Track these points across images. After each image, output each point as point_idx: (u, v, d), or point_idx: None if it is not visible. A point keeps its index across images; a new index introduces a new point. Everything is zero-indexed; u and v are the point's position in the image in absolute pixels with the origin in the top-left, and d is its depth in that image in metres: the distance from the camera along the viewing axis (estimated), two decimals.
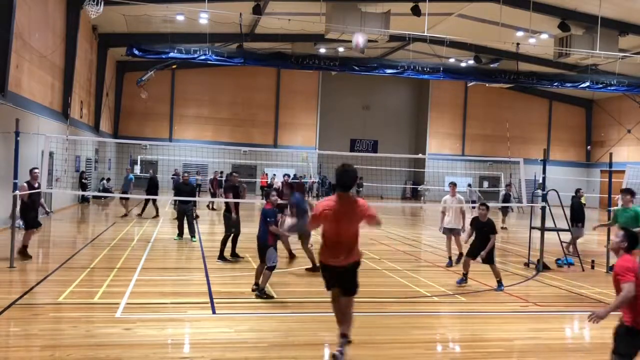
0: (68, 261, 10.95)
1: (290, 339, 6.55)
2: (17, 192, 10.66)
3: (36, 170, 11.36)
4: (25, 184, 11.06)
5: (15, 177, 10.75)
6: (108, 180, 29.20)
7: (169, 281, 9.57)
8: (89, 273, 9.90)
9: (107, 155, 32.49)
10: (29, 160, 15.73)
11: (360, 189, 34.11)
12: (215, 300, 8.17)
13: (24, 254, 10.83)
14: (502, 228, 20.14)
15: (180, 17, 25.58)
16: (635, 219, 9.66)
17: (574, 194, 14.10)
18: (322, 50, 30.00)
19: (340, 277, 5.88)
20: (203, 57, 24.71)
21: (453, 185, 12.53)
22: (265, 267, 8.53)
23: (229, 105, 40.42)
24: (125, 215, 20.08)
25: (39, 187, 11.26)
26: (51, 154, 17.19)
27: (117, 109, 37.07)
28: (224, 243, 11.77)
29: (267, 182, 32.31)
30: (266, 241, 8.52)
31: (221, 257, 11.64)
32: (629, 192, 10.08)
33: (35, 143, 16.87)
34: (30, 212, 11.13)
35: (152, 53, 24.75)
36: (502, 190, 27.04)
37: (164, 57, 25.23)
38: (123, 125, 37.78)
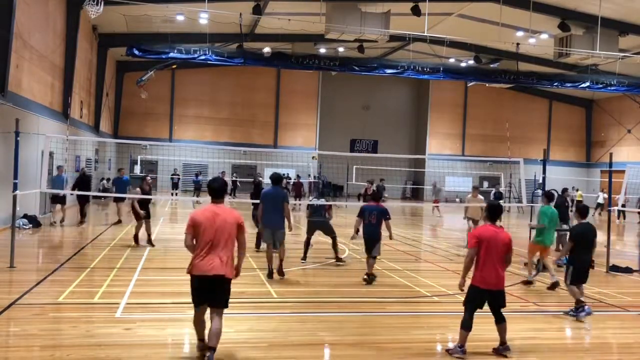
0: (68, 261, 10.96)
1: (290, 339, 6.55)
2: (17, 192, 10.66)
3: (148, 178, 13.72)
4: (138, 189, 13.30)
5: (15, 177, 10.75)
6: (108, 180, 29.19)
7: (169, 281, 9.57)
8: (89, 273, 9.90)
9: (107, 155, 32.48)
10: (29, 160, 15.75)
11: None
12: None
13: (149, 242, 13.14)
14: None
15: (180, 17, 25.57)
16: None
17: (559, 194, 13.92)
18: (322, 50, 30.00)
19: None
20: (203, 57, 24.72)
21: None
22: (372, 257, 10.03)
23: (229, 105, 40.42)
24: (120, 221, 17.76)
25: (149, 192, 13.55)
26: (51, 154, 17.18)
27: (117, 109, 37.06)
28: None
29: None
30: (379, 235, 10.02)
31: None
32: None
33: (35, 143, 16.87)
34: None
35: (152, 53, 24.76)
36: (492, 190, 27.45)
37: (164, 57, 25.24)
38: (123, 125, 37.77)
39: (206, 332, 5.66)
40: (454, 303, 8.77)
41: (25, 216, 15.73)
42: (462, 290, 6.30)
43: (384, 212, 10.05)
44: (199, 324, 5.75)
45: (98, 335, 6.37)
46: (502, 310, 6.20)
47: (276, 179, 10.12)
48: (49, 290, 8.57)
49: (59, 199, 16.88)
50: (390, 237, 10.42)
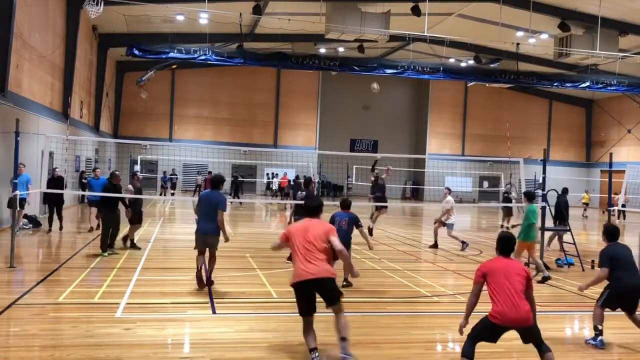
0: (68, 261, 10.96)
1: (290, 339, 6.54)
2: (17, 192, 10.66)
3: (138, 173, 13.27)
4: (130, 186, 12.73)
5: (15, 177, 10.76)
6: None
7: (169, 281, 9.57)
8: (89, 273, 9.90)
9: (107, 155, 32.48)
10: (29, 160, 15.74)
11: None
12: (215, 300, 8.17)
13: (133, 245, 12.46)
14: (501, 226, 20.13)
15: (180, 17, 25.58)
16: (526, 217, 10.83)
17: (560, 193, 13.91)
18: (322, 50, 30.00)
19: None
20: (203, 57, 24.74)
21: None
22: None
23: (229, 105, 40.43)
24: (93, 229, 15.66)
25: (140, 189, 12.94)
26: (51, 154, 17.19)
27: (117, 109, 37.07)
28: None
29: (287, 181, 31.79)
30: (350, 240, 9.66)
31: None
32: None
33: (35, 143, 16.87)
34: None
35: (152, 53, 24.78)
36: (503, 189, 26.35)
37: (164, 57, 25.26)
38: (123, 125, 37.79)
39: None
40: (454, 303, 8.77)
41: (25, 216, 15.72)
42: (462, 334, 5.48)
43: (354, 220, 9.69)
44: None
45: (98, 335, 6.37)
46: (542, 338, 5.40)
47: (217, 181, 9.13)
48: (49, 290, 8.56)
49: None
50: (370, 247, 10.24)
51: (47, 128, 18.38)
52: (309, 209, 6.14)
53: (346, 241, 9.83)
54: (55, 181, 14.80)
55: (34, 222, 15.97)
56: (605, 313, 6.89)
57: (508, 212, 20.56)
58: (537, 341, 5.43)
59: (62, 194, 15.13)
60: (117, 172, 12.61)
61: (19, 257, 10.45)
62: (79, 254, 11.91)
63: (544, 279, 10.36)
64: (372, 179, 16.37)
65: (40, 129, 17.49)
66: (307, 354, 5.73)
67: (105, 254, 11.53)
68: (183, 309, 7.76)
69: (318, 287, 5.69)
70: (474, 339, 5.36)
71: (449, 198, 14.75)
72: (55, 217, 15.18)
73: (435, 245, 14.77)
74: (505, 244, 5.57)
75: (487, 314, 5.31)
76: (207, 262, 9.03)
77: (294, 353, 6.10)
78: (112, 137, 35.11)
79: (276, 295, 8.73)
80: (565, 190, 14.17)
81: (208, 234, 8.80)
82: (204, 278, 8.92)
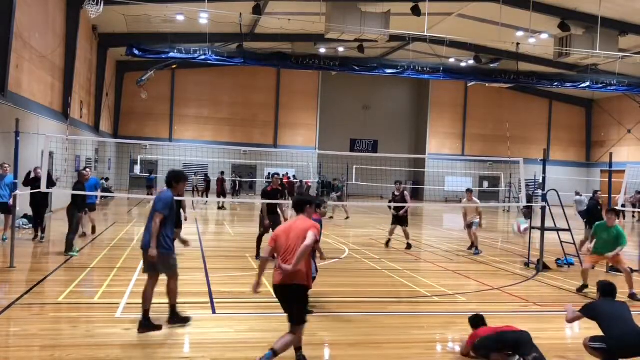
0: (68, 261, 10.96)
1: None
2: (18, 192, 10.66)
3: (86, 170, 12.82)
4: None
5: (15, 177, 10.76)
6: (107, 180, 29.16)
7: None
8: (89, 273, 9.90)
9: (107, 155, 32.50)
10: (29, 160, 15.73)
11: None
12: (215, 300, 8.17)
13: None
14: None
15: (180, 17, 25.58)
16: (616, 239, 9.63)
17: (591, 197, 13.90)
18: (322, 50, 30.00)
19: None
20: (203, 57, 24.75)
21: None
22: None
23: (229, 105, 40.44)
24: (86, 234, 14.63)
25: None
26: (51, 154, 17.18)
27: (117, 109, 37.08)
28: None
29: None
30: None
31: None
32: (613, 211, 10.01)
33: (35, 143, 16.87)
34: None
35: (152, 53, 24.80)
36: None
37: (164, 57, 25.28)
38: (123, 125, 37.80)
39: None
40: (454, 303, 8.77)
41: (25, 216, 15.73)
42: None
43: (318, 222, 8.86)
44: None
45: (98, 335, 6.37)
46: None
47: (168, 178, 6.91)
48: (49, 290, 8.57)
49: (1, 209, 12.91)
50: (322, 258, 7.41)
51: (47, 128, 18.38)
52: (293, 205, 5.96)
53: None
54: (36, 181, 12.61)
55: (34, 222, 15.95)
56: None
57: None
58: None
59: (46, 198, 13.25)
60: (83, 171, 12.60)
61: (19, 257, 10.43)
62: (79, 253, 11.90)
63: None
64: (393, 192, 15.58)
65: (40, 129, 17.49)
66: (307, 353, 5.74)
67: (76, 252, 11.54)
68: (183, 309, 7.75)
69: (285, 294, 5.38)
70: None
71: (475, 199, 15.14)
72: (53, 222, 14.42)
73: (473, 246, 14.39)
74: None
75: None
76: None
77: (294, 353, 6.09)
78: (112, 137, 35.11)
79: None
80: (595, 193, 14.24)
81: (146, 250, 6.66)
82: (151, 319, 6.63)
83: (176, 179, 6.87)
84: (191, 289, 9.01)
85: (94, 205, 15.05)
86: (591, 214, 13.79)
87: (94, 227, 15.14)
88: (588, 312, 6.07)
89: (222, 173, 27.70)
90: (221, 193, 27.29)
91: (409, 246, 14.34)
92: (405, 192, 14.88)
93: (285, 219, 9.02)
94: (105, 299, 8.04)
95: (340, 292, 9.42)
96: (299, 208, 5.81)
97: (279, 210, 11.71)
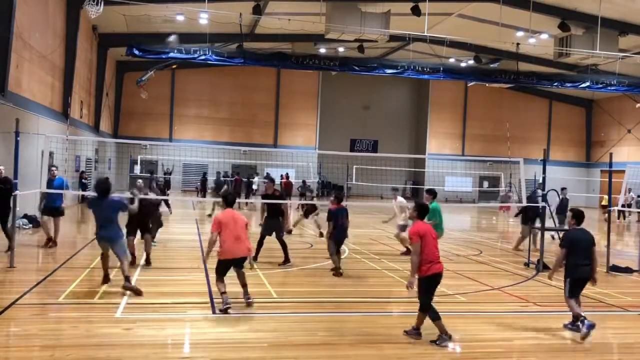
0: (68, 261, 10.95)
1: (290, 339, 6.55)
2: (17, 192, 10.65)
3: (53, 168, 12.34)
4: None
5: (16, 177, 10.75)
6: (85, 178, 28.85)
7: (169, 281, 9.57)
8: (89, 273, 9.89)
9: (107, 155, 32.49)
10: (29, 160, 15.74)
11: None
12: (215, 300, 8.15)
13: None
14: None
15: (180, 17, 25.57)
16: (433, 213, 10.62)
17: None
18: (322, 50, 30.00)
19: None
20: (203, 57, 24.73)
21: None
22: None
23: (229, 105, 40.45)
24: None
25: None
26: (51, 154, 17.18)
27: (117, 109, 37.08)
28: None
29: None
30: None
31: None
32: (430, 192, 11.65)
33: (35, 143, 16.86)
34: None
35: (152, 53, 24.77)
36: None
37: (164, 57, 25.25)
38: (123, 125, 37.79)
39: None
40: (454, 303, 8.76)
41: (25, 216, 15.73)
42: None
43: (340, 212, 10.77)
44: None
45: (98, 335, 6.37)
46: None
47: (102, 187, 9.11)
48: (49, 290, 8.57)
49: (51, 212, 12.44)
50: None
51: (47, 128, 18.38)
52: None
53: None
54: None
55: (34, 222, 15.97)
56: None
57: None
58: None
59: (8, 203, 10.77)
60: (52, 168, 12.35)
61: (19, 257, 10.43)
62: (79, 253, 11.91)
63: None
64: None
65: (40, 129, 17.49)
66: (307, 353, 5.74)
67: None
68: (183, 309, 7.76)
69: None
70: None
71: (400, 198, 14.77)
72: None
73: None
74: (422, 211, 6.91)
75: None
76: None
77: (294, 353, 6.10)
78: (112, 137, 35.11)
79: (276, 295, 8.73)
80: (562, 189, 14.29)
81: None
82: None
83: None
84: (191, 289, 9.03)
85: (59, 209, 12.64)
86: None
87: (51, 238, 12.45)
88: (571, 244, 7.21)
89: (238, 173, 27.40)
90: (241, 193, 26.63)
91: (408, 251, 14.32)
92: (400, 199, 14.76)
93: (288, 222, 9.18)
94: (105, 299, 8.03)
95: (340, 292, 9.42)
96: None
97: (282, 209, 11.61)
